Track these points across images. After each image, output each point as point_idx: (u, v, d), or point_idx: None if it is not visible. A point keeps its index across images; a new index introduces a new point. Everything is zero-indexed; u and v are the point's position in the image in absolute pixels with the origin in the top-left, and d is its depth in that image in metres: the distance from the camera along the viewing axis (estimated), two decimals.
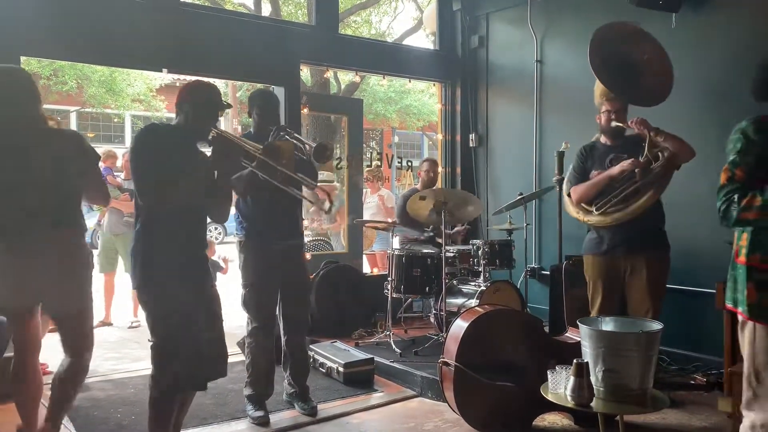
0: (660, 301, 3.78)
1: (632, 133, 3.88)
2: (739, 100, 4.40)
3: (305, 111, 5.86)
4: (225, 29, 5.06)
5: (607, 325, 2.66)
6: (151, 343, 2.73)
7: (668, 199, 4.48)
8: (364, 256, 6.83)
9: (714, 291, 3.69)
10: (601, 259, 3.85)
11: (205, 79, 3.07)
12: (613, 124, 3.81)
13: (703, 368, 4.32)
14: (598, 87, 4.17)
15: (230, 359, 4.88)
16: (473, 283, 4.90)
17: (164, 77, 15.97)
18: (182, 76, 5.32)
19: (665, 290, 3.85)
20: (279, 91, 5.38)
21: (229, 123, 17.90)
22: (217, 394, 3.96)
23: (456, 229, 5.74)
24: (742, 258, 2.19)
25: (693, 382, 4.13)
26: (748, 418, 2.20)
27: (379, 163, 7.59)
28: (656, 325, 2.56)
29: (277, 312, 3.78)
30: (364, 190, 8.35)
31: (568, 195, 3.94)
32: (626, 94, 3.92)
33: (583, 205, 3.83)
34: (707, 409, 3.76)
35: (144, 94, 17.36)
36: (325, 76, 9.24)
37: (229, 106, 2.95)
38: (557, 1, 5.51)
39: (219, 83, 15.52)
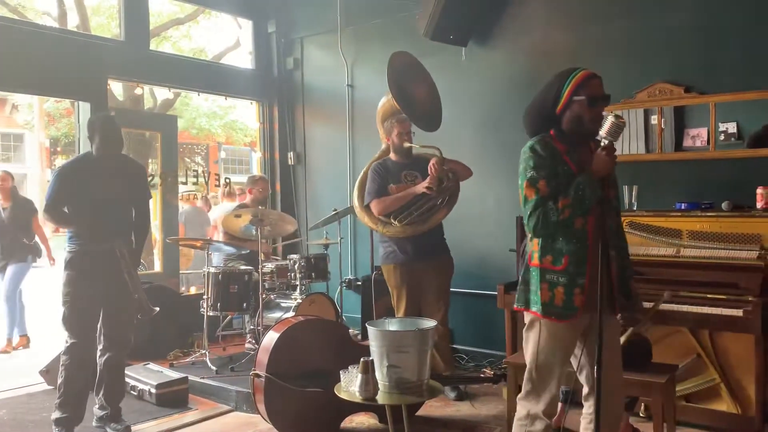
0: (449, 300, 4.34)
1: (418, 152, 4.31)
2: (516, 126, 5.04)
3: None
4: (25, 41, 4.78)
5: (393, 325, 2.95)
6: None
7: (461, 213, 5.00)
8: None
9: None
10: (403, 268, 4.23)
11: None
12: (406, 144, 4.24)
13: (494, 363, 4.86)
14: (384, 109, 4.52)
15: (32, 389, 4.62)
16: (291, 297, 5.07)
17: None
18: None
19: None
20: (85, 107, 5.19)
21: (36, 136, 16.51)
22: (15, 425, 3.74)
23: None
24: (536, 261, 2.38)
25: (483, 376, 4.61)
26: (524, 408, 2.44)
27: (198, 180, 7.46)
28: (430, 323, 2.91)
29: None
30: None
31: (366, 207, 4.26)
32: (415, 118, 4.34)
33: (381, 217, 4.17)
34: (495, 398, 4.25)
35: None
36: (135, 92, 8.90)
37: None
38: (364, 31, 5.88)
39: (24, 95, 14.27)
